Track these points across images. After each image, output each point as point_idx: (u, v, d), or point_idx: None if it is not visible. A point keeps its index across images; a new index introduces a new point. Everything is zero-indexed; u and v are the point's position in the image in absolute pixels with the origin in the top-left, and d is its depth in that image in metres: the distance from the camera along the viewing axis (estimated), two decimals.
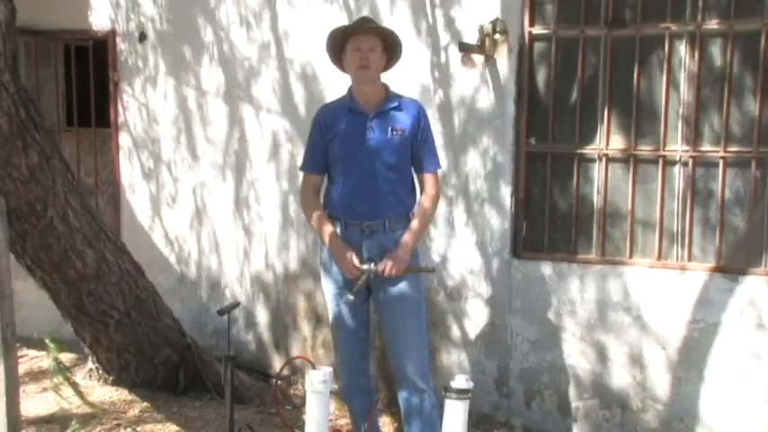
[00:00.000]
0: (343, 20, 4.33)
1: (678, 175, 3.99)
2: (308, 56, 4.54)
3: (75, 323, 4.31)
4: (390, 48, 3.38)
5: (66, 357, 4.91)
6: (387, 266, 3.30)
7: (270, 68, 4.71)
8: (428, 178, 3.45)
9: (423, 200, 3.45)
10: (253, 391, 4.61)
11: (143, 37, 5.00)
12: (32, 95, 4.11)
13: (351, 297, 3.33)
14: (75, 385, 3.64)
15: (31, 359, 5.10)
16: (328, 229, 3.38)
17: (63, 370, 3.63)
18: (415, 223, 3.40)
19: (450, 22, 4.26)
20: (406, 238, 3.36)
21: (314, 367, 3.32)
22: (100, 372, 4.62)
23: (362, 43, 3.30)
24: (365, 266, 3.33)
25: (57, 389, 3.62)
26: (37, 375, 4.83)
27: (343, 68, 3.47)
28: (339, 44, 3.39)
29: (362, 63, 3.30)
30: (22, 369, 4.53)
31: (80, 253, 3.98)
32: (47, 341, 3.58)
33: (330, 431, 3.67)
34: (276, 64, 4.69)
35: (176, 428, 4.18)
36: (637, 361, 4.10)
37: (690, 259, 4.00)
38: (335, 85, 4.06)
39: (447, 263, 4.41)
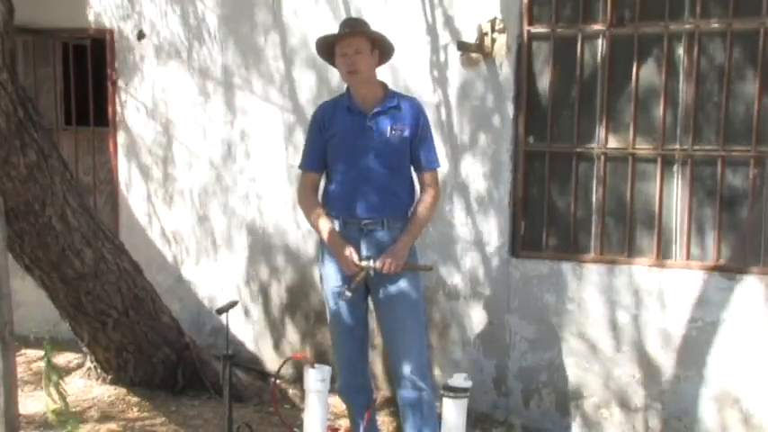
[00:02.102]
0: (342, 17, 4.31)
1: (677, 173, 3.99)
2: (311, 50, 4.51)
3: (73, 322, 4.31)
4: (379, 45, 3.37)
5: (65, 356, 4.92)
6: (385, 263, 3.30)
7: (270, 64, 4.70)
8: (427, 177, 3.45)
9: (422, 198, 3.44)
10: (251, 390, 4.61)
11: (141, 35, 4.99)
12: (30, 94, 4.12)
13: (348, 294, 3.32)
14: (63, 398, 3.64)
15: (28, 358, 5.10)
16: (327, 226, 3.38)
17: (56, 381, 3.63)
18: (413, 222, 3.40)
19: (448, 21, 4.26)
20: (404, 235, 3.36)
21: (313, 366, 3.33)
22: (98, 371, 4.62)
23: (347, 48, 3.30)
24: (364, 263, 3.33)
25: (50, 394, 3.62)
26: (35, 374, 4.82)
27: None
28: (329, 49, 3.40)
29: (350, 68, 3.31)
30: (20, 368, 4.53)
31: (78, 252, 3.98)
32: (44, 343, 3.57)
33: (329, 430, 3.67)
34: (278, 59, 4.68)
35: (174, 427, 4.18)
36: (635, 360, 4.10)
37: (688, 258, 4.00)
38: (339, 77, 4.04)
39: (446, 262, 4.41)
